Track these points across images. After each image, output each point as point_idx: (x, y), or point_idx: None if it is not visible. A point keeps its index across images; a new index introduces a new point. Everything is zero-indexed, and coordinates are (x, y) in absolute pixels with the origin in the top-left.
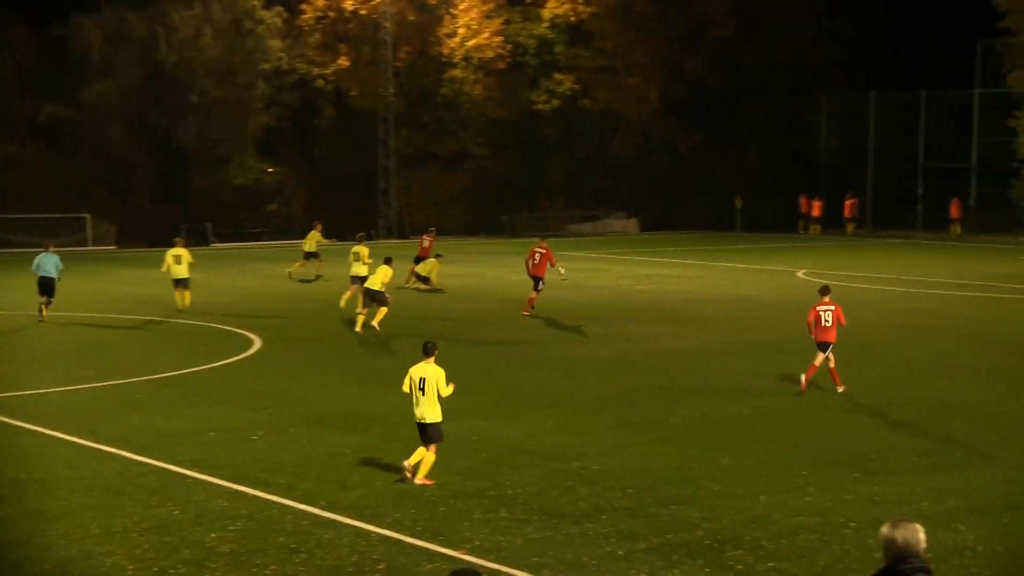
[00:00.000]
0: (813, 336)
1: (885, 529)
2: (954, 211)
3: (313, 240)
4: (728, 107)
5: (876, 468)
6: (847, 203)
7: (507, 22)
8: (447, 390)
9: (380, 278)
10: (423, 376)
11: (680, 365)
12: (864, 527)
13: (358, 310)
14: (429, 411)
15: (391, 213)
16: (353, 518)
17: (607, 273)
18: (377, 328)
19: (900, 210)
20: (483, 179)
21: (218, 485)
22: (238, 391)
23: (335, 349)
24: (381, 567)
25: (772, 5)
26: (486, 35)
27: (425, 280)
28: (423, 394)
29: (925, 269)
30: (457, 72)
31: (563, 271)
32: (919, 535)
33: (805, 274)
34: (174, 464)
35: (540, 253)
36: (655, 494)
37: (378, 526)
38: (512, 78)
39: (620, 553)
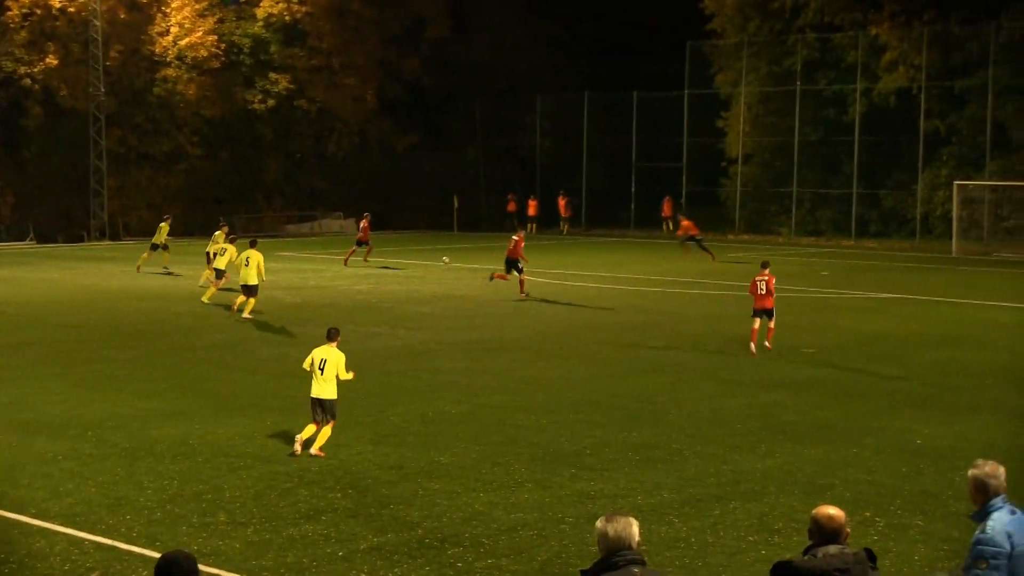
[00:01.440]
0: (754, 304)
1: (600, 523)
2: (666, 209)
3: (163, 233)
4: (445, 107)
5: (592, 464)
6: (561, 202)
7: (220, 21)
8: (347, 375)
9: (255, 270)
10: (324, 358)
11: (398, 365)
12: (581, 522)
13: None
14: (326, 390)
15: (104, 215)
16: (65, 526)
17: (324, 273)
18: (248, 317)
19: (613, 209)
20: (198, 179)
21: None
22: None
23: (45, 353)
24: (95, 575)
25: (487, 6)
26: (199, 34)
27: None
28: (322, 374)
29: (638, 267)
30: (170, 71)
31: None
32: (632, 528)
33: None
34: None
35: (514, 240)
36: (375, 494)
37: (92, 533)
38: (227, 77)
39: (341, 554)
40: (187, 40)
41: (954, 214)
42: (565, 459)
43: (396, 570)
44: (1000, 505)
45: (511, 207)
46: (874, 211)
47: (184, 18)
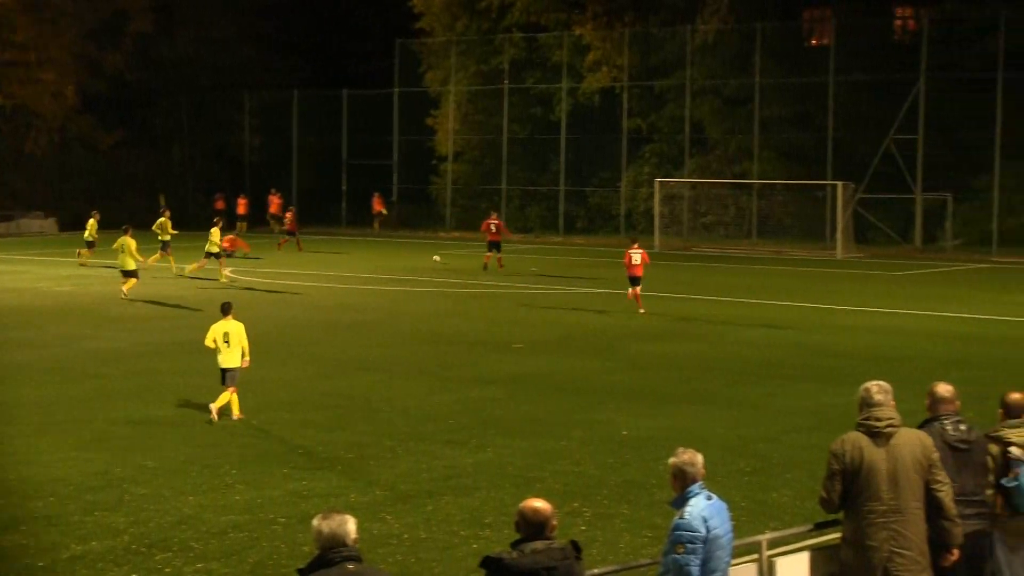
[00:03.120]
0: (628, 272)
1: (316, 521)
2: (376, 206)
3: (93, 229)
4: (150, 104)
5: (304, 463)
6: (272, 200)
7: None
8: (246, 342)
9: (130, 255)
10: (227, 331)
11: (105, 368)
12: (294, 522)
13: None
14: (233, 359)
15: None
16: None
17: (25, 275)
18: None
19: (325, 207)
20: None
21: None
22: None
23: None
24: None
25: (192, 1)
26: None
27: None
28: (228, 345)
29: (350, 265)
30: None
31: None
32: (348, 526)
33: (232, 272)
34: None
35: (494, 224)
36: (78, 501)
37: None
38: None
39: (41, 564)
40: None
41: (656, 211)
42: (277, 459)
43: None
44: (697, 492)
45: (219, 205)
46: (581, 208)
47: None
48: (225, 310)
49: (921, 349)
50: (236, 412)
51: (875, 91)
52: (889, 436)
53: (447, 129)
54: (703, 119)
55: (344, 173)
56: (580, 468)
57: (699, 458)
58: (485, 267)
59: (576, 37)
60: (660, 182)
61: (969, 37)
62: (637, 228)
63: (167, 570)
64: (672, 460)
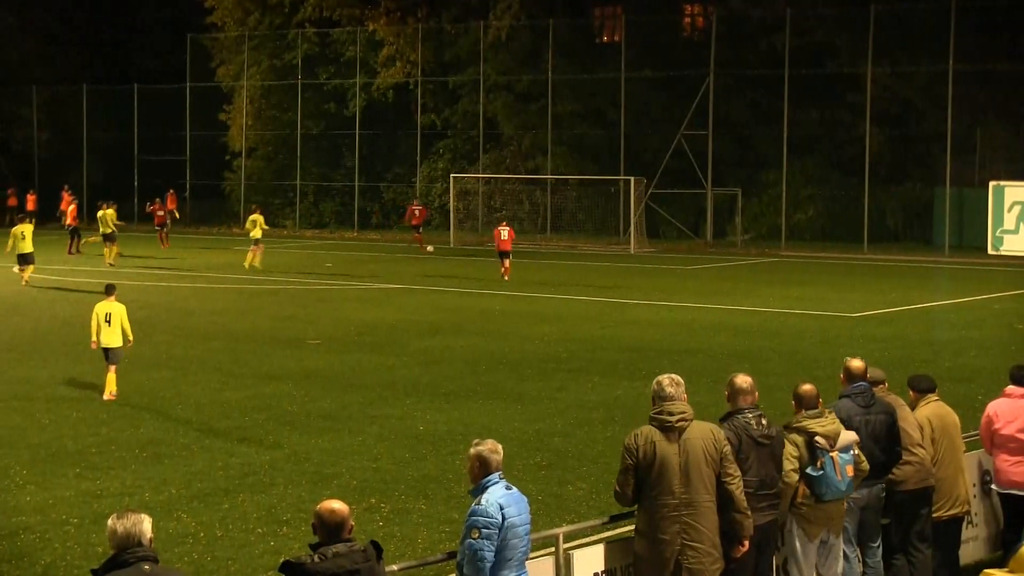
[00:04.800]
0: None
1: (110, 521)
2: (170, 203)
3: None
4: None
5: (97, 462)
6: (65, 197)
7: None
8: (127, 323)
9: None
10: (109, 311)
11: None
12: (87, 523)
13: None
14: (114, 338)
15: None
16: None
17: None
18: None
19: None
20: None
21: None
22: None
23: None
24: None
25: None
26: None
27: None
28: (109, 325)
29: (137, 260)
30: None
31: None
32: (143, 525)
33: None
34: None
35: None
36: None
37: None
38: None
39: None
40: None
41: (451, 206)
42: (69, 458)
43: None
44: (496, 480)
45: (12, 202)
46: (375, 203)
47: None
48: (109, 291)
49: (711, 342)
50: (109, 392)
51: (665, 88)
52: (681, 430)
53: (240, 124)
54: (497, 114)
55: (136, 169)
56: (377, 464)
57: (500, 447)
58: (504, 277)
59: (369, 32)
60: (455, 177)
61: (755, 35)
62: (432, 224)
63: None
64: (473, 449)
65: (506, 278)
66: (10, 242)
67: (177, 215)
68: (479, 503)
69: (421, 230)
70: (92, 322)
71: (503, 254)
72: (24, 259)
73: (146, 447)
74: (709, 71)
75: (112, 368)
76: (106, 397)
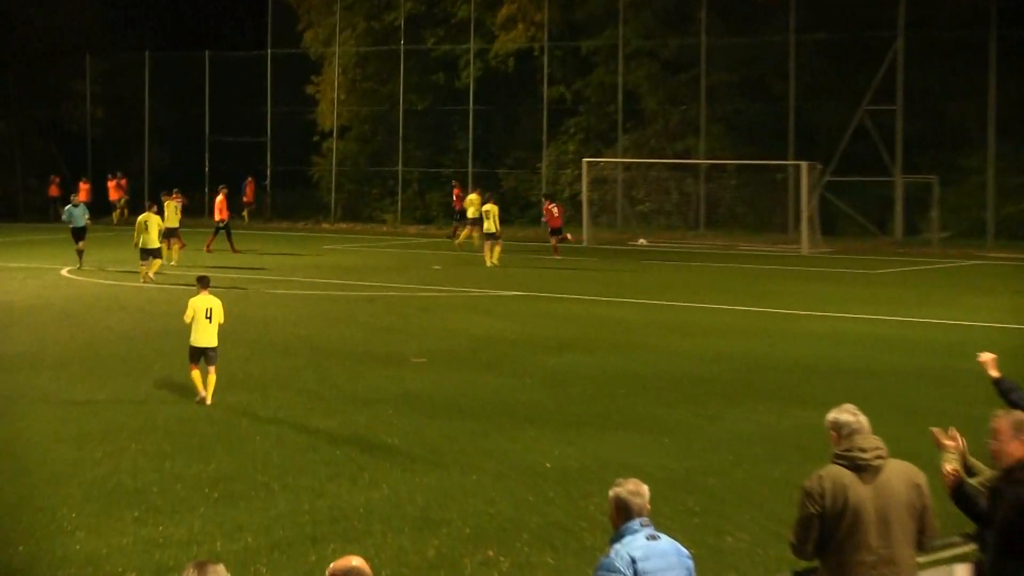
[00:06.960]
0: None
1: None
2: (248, 193)
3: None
4: None
5: (160, 504)
6: (110, 185)
7: None
8: (223, 319)
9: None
10: (210, 307)
11: None
12: (147, 575)
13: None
14: (212, 337)
15: None
16: None
17: None
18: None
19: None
20: None
21: None
22: None
23: None
24: None
25: None
26: None
27: None
28: (210, 321)
29: (213, 260)
30: None
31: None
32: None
33: (69, 272)
34: None
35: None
36: None
37: None
38: None
39: None
40: None
41: (583, 197)
42: (126, 498)
43: None
44: (636, 528)
45: (54, 191)
46: (493, 194)
47: None
48: (204, 283)
49: (896, 361)
50: (209, 395)
51: (844, 54)
52: (878, 470)
53: (331, 99)
54: (638, 86)
55: (207, 152)
56: (494, 508)
57: (644, 488)
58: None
59: None
60: (588, 162)
61: None
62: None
63: None
64: (612, 491)
65: (557, 257)
66: (136, 235)
67: (245, 214)
68: (607, 555)
69: (563, 232)
70: (187, 315)
71: (556, 231)
72: (150, 253)
73: (217, 485)
74: (897, 33)
75: (212, 370)
76: (200, 398)
